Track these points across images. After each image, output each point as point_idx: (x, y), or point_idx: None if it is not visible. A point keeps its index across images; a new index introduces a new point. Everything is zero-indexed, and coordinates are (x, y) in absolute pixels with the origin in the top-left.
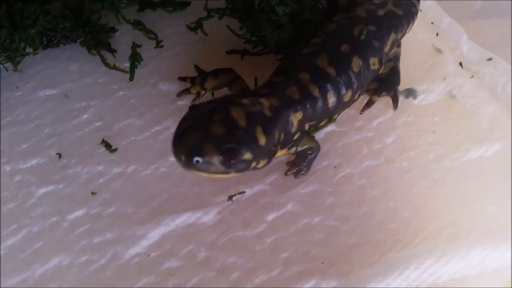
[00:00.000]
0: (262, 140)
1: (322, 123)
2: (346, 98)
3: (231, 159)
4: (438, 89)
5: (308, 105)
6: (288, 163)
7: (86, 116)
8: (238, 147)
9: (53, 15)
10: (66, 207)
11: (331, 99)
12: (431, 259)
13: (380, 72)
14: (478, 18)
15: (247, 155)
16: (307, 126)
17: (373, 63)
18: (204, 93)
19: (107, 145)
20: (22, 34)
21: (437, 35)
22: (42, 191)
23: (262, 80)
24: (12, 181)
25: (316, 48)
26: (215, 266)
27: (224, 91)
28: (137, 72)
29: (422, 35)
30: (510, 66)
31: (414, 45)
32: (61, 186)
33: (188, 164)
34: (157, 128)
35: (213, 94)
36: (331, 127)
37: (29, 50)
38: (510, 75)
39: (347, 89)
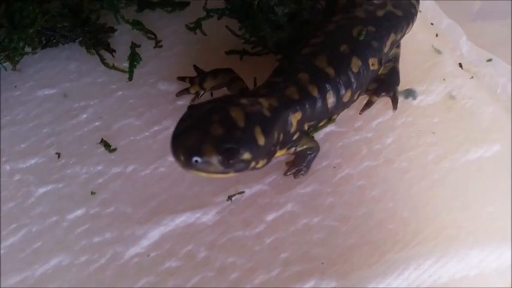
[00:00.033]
0: (261, 140)
1: (321, 124)
2: (346, 99)
3: (230, 159)
4: (438, 90)
5: (307, 106)
6: (287, 163)
7: (85, 116)
8: (237, 147)
9: (52, 15)
10: (66, 206)
11: (331, 100)
12: (430, 260)
13: (379, 72)
14: (477, 19)
15: (246, 155)
16: (306, 127)
17: (373, 64)
18: (203, 93)
19: (106, 145)
20: (21, 33)
21: (436, 35)
22: (41, 190)
23: (261, 80)
24: (11, 180)
25: (315, 49)
26: (214, 266)
27: (223, 91)
28: (136, 72)
29: (421, 36)
30: (510, 67)
31: (414, 46)
32: (60, 185)
33: (187, 163)
34: (156, 128)
35: (212, 94)
36: (330, 127)
37: (27, 49)
38: (510, 76)
39: (346, 90)
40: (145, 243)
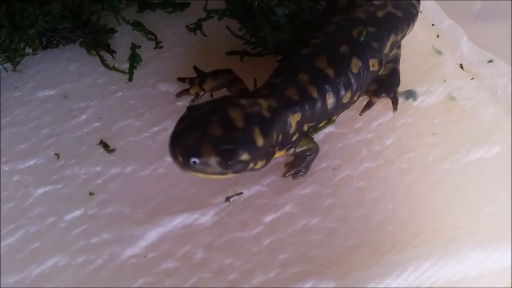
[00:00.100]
0: (260, 141)
1: (321, 125)
2: (345, 100)
3: (228, 160)
4: (438, 91)
5: (307, 107)
6: (286, 164)
7: (84, 117)
8: (235, 148)
9: (53, 16)
10: (64, 207)
11: (330, 101)
12: (430, 261)
13: (380, 73)
14: (478, 20)
15: (245, 156)
16: (305, 128)
17: (373, 65)
18: (203, 94)
19: (105, 146)
20: (22, 34)
21: (437, 36)
22: (40, 191)
23: (261, 81)
24: (10, 181)
25: (315, 49)
26: (212, 267)
27: (223, 92)
28: (136, 73)
29: (422, 37)
30: (510, 68)
31: (414, 47)
32: (59, 186)
33: (185, 164)
34: (156, 129)
35: (212, 95)
36: (330, 128)
37: (28, 50)
38: (510, 77)
39: (346, 90)
40: (142, 244)
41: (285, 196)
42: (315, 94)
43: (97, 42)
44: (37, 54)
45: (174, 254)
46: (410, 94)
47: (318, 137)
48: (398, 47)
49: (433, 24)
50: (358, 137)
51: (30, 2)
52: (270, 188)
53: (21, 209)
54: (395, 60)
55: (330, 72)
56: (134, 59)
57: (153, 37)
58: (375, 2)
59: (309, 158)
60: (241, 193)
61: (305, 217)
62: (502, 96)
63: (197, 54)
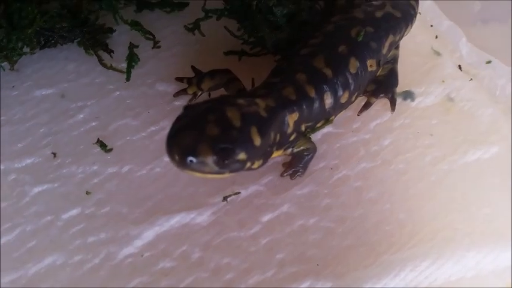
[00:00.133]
0: (257, 141)
1: (318, 125)
2: (343, 100)
3: (225, 159)
4: (436, 92)
5: (304, 106)
6: (284, 164)
7: (81, 116)
8: (232, 147)
9: (51, 15)
10: (61, 206)
11: (328, 101)
12: (427, 261)
13: (378, 74)
14: (477, 21)
15: (242, 155)
16: (303, 127)
17: (371, 65)
18: (201, 94)
19: (102, 145)
20: (20, 34)
21: (436, 37)
22: (36, 190)
23: (259, 81)
24: (6, 180)
25: (313, 49)
26: (209, 266)
27: (221, 92)
28: (134, 72)
29: (421, 38)
30: (509, 69)
31: (413, 48)
32: (55, 185)
33: (182, 163)
34: (153, 129)
35: (209, 95)
36: (328, 128)
37: (26, 49)
38: (509, 78)
39: (344, 91)
40: (139, 243)
41: (282, 196)
42: (312, 94)
43: (95, 41)
44: (35, 53)
45: (171, 254)
46: (408, 95)
47: (315, 137)
48: (397, 48)
49: (431, 25)
50: (355, 137)
51: (28, 2)
52: (267, 188)
53: (18, 208)
54: (394, 60)
55: (328, 72)
56: (132, 59)
57: (151, 37)
58: (374, 2)
59: (306, 158)
60: (239, 193)
61: (302, 217)
62: (501, 97)
63: (195, 54)
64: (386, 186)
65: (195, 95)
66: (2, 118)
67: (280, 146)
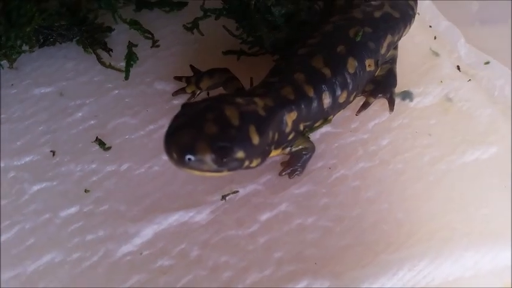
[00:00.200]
0: (256, 139)
1: (317, 124)
2: (342, 99)
3: (223, 158)
4: (435, 92)
5: (303, 106)
6: (282, 163)
7: (80, 114)
8: (231, 146)
9: (50, 14)
10: (59, 204)
11: (326, 100)
12: (424, 261)
13: (376, 74)
14: (476, 22)
15: (240, 154)
16: (301, 127)
17: (369, 65)
18: (200, 93)
19: (101, 143)
20: (18, 32)
21: (434, 38)
22: (35, 188)
23: (258, 81)
24: (5, 178)
25: (311, 49)
26: (207, 264)
27: (219, 91)
28: (133, 71)
29: (419, 38)
30: (507, 69)
31: (411, 48)
32: (54, 183)
33: (180, 161)
34: (151, 127)
35: (208, 94)
36: (326, 128)
37: (25, 47)
38: (507, 79)
39: (342, 90)
40: (138, 241)
41: (280, 195)
42: (311, 93)
43: (94, 40)
44: (34, 51)
45: (169, 252)
46: (406, 95)
47: (314, 136)
48: (395, 48)
49: (430, 26)
50: (354, 137)
51: (27, 0)
52: (266, 187)
53: (17, 206)
54: (392, 61)
55: (327, 71)
56: (131, 57)
57: (150, 36)
58: (373, 3)
59: (305, 157)
60: (237, 191)
61: (300, 216)
62: (499, 97)
63: (194, 53)
64: (385, 186)
65: (193, 94)
66: (1, 116)
67: (278, 145)
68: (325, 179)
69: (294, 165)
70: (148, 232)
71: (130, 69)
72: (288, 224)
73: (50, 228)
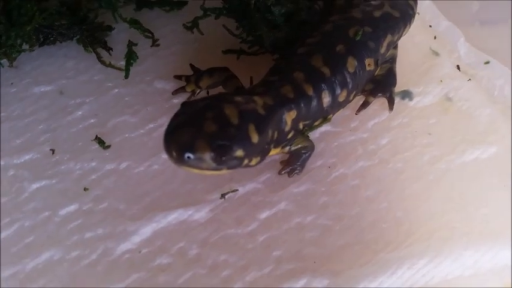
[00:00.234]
0: (255, 138)
1: (316, 123)
2: (341, 98)
3: (222, 156)
4: (434, 92)
5: (302, 105)
6: (281, 162)
7: (80, 113)
8: (230, 144)
9: (50, 13)
10: (59, 202)
11: (326, 99)
12: (424, 260)
13: (376, 73)
14: (476, 21)
15: (239, 152)
16: (301, 126)
17: (369, 64)
18: (199, 92)
19: (100, 142)
20: (18, 31)
21: (434, 37)
22: (34, 186)
23: (258, 80)
24: (5, 176)
25: (311, 48)
26: (206, 263)
27: (219, 90)
28: (133, 70)
29: (419, 38)
30: (507, 69)
31: (411, 48)
32: (54, 181)
33: (179, 160)
34: (151, 126)
35: (208, 93)
36: (326, 127)
37: (25, 46)
38: (507, 78)
39: (342, 89)
40: (137, 239)
41: (280, 193)
42: (310, 92)
43: (94, 39)
44: (34, 50)
45: (168, 250)
46: (406, 94)
47: (313, 135)
48: (395, 47)
49: (430, 26)
50: (353, 136)
51: None
52: (265, 185)
53: (16, 203)
54: (392, 60)
55: (326, 70)
56: (131, 56)
57: (150, 35)
58: (372, 2)
59: (304, 156)
60: (237, 190)
61: (300, 215)
62: (499, 97)
63: (194, 52)
64: (384, 185)
65: (193, 92)
66: (1, 114)
67: (277, 143)
68: (325, 177)
69: (294, 164)
70: (147, 230)
71: (130, 68)
72: (287, 223)
73: (49, 226)
